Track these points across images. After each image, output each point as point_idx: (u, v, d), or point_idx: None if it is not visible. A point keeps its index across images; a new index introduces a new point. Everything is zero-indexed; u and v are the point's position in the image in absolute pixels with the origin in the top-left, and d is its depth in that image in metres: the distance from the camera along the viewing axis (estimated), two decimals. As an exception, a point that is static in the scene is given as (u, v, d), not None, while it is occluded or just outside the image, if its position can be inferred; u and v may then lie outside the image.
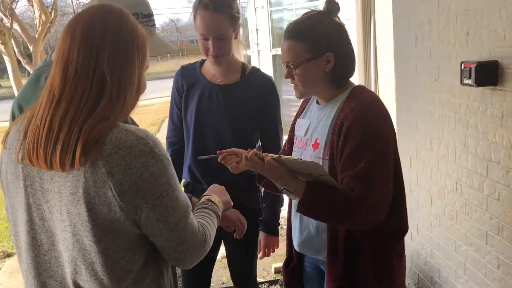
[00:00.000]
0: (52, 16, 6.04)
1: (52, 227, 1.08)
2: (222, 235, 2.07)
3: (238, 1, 1.90)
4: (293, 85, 1.54)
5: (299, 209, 1.40)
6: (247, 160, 1.42)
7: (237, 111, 1.94)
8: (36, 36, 5.89)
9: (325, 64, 1.46)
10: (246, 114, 1.94)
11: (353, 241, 1.46)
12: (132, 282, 1.10)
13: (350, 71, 1.53)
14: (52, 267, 1.11)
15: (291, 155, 1.64)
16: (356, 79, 3.50)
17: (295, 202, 1.56)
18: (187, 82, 2.01)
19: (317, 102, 1.59)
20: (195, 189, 2.05)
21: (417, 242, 2.90)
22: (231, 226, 1.53)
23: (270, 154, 1.40)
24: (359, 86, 1.53)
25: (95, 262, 1.06)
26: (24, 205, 1.09)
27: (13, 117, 1.41)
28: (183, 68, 2.09)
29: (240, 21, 1.92)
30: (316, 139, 1.51)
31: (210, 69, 1.99)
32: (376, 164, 1.37)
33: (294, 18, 4.03)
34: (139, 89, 1.13)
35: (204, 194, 1.37)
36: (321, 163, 1.47)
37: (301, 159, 1.41)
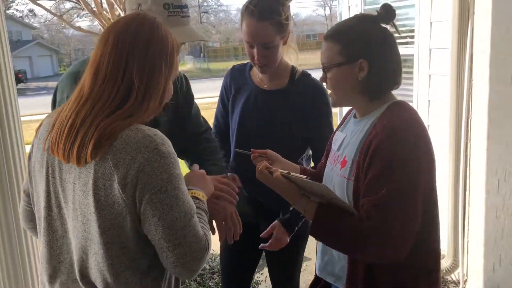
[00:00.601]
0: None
1: (66, 215, 1.16)
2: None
3: (285, 5, 1.79)
4: None
5: (310, 232, 1.30)
6: (258, 172, 1.36)
7: (282, 117, 1.86)
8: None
9: (357, 72, 1.34)
10: (292, 121, 1.85)
11: (374, 272, 1.31)
12: (131, 280, 1.12)
13: (389, 84, 1.38)
14: (63, 253, 1.19)
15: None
16: (447, 86, 3.21)
17: None
18: (235, 84, 1.98)
19: (355, 116, 1.47)
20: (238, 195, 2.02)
21: (498, 276, 2.58)
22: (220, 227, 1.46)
23: (280, 170, 1.32)
24: (398, 102, 1.37)
25: (98, 253, 1.11)
26: (45, 192, 1.18)
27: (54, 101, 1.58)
28: (234, 69, 2.05)
29: (291, 26, 1.81)
30: (345, 156, 1.39)
31: (258, 73, 1.93)
32: (400, 193, 1.21)
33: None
34: (163, 96, 1.20)
35: (188, 186, 1.30)
36: (345, 184, 1.35)
37: (309, 178, 1.30)
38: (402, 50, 3.83)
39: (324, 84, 1.46)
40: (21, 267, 2.18)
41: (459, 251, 3.23)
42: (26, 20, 35.52)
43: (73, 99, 1.15)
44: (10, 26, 31.71)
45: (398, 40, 4.09)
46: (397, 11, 3.86)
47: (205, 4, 34.86)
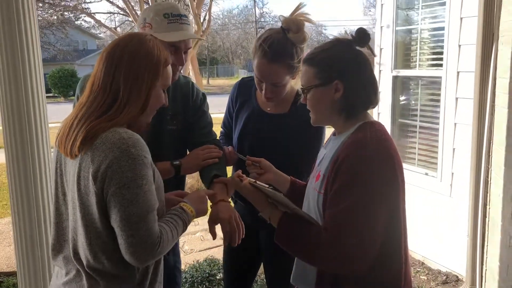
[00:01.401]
0: (205, 27, 6.71)
1: (67, 201, 1.36)
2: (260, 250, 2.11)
3: (299, 48, 1.82)
4: None
5: (275, 238, 1.37)
6: (231, 179, 1.46)
7: (281, 140, 1.93)
8: (190, 43, 6.62)
9: (334, 92, 1.40)
10: (290, 144, 1.92)
11: (340, 283, 1.36)
12: (106, 262, 1.29)
13: (363, 104, 1.43)
14: (66, 233, 1.38)
15: None
16: (470, 110, 3.16)
17: None
18: (241, 98, 2.07)
19: (334, 134, 1.53)
20: (238, 204, 2.11)
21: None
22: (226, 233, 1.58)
23: (248, 178, 1.41)
24: (369, 122, 1.42)
25: (81, 233, 1.30)
26: (54, 182, 1.40)
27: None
28: (242, 83, 2.13)
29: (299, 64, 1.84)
30: (320, 171, 1.45)
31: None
32: (358, 207, 1.25)
33: (418, 39, 3.84)
34: (146, 104, 1.36)
35: (183, 200, 1.48)
36: (316, 197, 1.41)
37: (272, 188, 1.38)
38: (430, 72, 3.83)
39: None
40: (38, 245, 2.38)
41: (476, 279, 3.14)
42: (93, 31, 37.57)
43: (77, 105, 1.36)
44: (77, 36, 33.64)
45: (427, 62, 4.09)
46: (427, 33, 3.87)
47: (262, 19, 35.48)
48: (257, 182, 1.42)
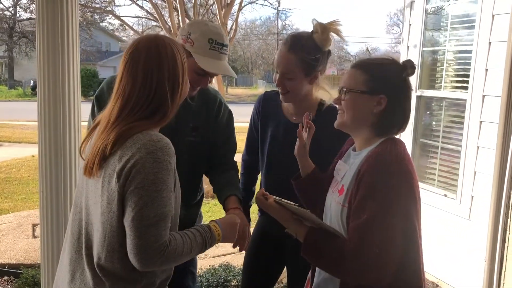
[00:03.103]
0: (230, 36, 6.82)
1: (88, 197, 1.37)
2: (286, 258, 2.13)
3: (322, 52, 1.89)
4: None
5: (302, 252, 1.41)
6: (256, 198, 1.51)
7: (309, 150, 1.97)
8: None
9: (375, 105, 1.44)
10: (316, 153, 1.95)
11: None
12: (118, 262, 1.28)
13: (395, 127, 1.48)
14: (81, 228, 1.38)
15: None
16: (494, 134, 3.16)
17: None
18: (266, 111, 2.10)
19: (354, 149, 1.56)
20: (264, 213, 2.14)
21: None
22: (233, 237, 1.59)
23: (273, 196, 1.46)
24: (392, 138, 1.46)
25: (98, 230, 1.31)
26: (80, 179, 1.45)
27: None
28: (266, 96, 2.17)
29: (321, 70, 1.92)
30: (343, 185, 1.48)
31: (288, 107, 2.05)
32: (379, 219, 1.29)
33: (444, 60, 3.85)
34: (178, 101, 1.39)
35: (215, 220, 1.49)
36: (340, 210, 1.44)
37: (297, 205, 1.42)
38: (455, 94, 3.83)
39: (337, 106, 1.55)
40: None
41: (492, 305, 3.12)
42: (117, 33, 38.22)
43: (108, 108, 1.38)
44: (101, 37, 34.23)
45: (451, 84, 4.10)
46: (453, 55, 3.88)
47: (284, 31, 35.70)
48: (283, 200, 1.46)
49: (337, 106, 1.56)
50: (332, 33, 1.90)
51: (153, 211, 1.23)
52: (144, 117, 1.31)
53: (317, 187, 1.70)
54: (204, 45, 1.77)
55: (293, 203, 1.44)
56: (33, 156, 9.28)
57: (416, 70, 1.49)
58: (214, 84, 6.95)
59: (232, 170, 2.04)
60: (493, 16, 3.40)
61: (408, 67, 1.46)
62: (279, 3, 26.24)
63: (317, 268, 1.60)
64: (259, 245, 2.20)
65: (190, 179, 1.95)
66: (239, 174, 2.10)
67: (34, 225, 4.80)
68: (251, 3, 11.93)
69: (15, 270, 3.69)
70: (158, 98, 1.32)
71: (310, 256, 1.43)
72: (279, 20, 34.52)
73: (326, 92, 2.01)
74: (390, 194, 1.32)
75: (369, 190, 1.33)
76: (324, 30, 1.87)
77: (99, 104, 1.82)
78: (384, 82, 1.44)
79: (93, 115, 1.84)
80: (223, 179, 1.99)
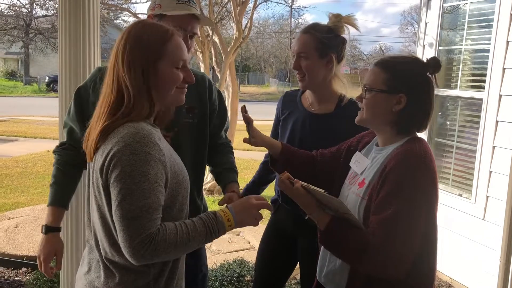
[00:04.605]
0: (245, 34, 6.83)
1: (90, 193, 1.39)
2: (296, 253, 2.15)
3: (336, 36, 1.99)
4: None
5: (320, 240, 1.43)
6: (280, 181, 1.51)
7: (327, 140, 1.97)
8: (228, 50, 6.71)
9: (394, 103, 1.46)
10: (335, 142, 1.97)
11: (372, 285, 1.42)
12: (119, 255, 1.28)
13: (418, 124, 1.50)
14: (92, 223, 1.41)
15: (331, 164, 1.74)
16: (510, 134, 3.15)
17: None
18: (287, 108, 2.14)
19: (377, 144, 1.58)
20: (280, 208, 2.17)
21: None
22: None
23: (300, 182, 1.46)
24: (417, 137, 1.48)
25: (98, 225, 1.32)
26: (87, 173, 1.45)
27: None
28: (286, 95, 2.24)
29: (336, 55, 1.99)
30: (364, 178, 1.51)
31: (309, 97, 2.09)
32: (405, 214, 1.32)
33: (460, 60, 3.84)
34: (153, 90, 1.32)
35: (228, 205, 1.39)
36: (359, 202, 1.47)
37: (327, 192, 1.43)
38: (471, 93, 3.82)
39: (359, 103, 1.57)
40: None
41: (506, 305, 3.11)
42: (130, 31, 38.37)
43: (97, 105, 1.38)
44: (115, 35, 34.26)
45: (467, 83, 4.09)
46: (470, 54, 3.87)
47: (297, 30, 35.65)
48: (310, 186, 1.47)
49: (358, 102, 1.58)
50: (346, 25, 2.00)
51: (133, 203, 1.20)
52: (127, 111, 1.28)
53: (296, 159, 1.79)
54: (170, 1, 1.83)
55: (322, 190, 1.44)
56: (48, 151, 9.41)
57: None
58: (229, 82, 6.97)
59: (230, 152, 2.12)
60: (511, 15, 3.38)
61: (432, 64, 1.48)
62: (292, 1, 26.25)
63: (328, 258, 1.62)
64: (271, 242, 2.24)
65: (195, 162, 1.96)
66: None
67: (50, 219, 4.87)
68: (266, 1, 11.95)
69: (33, 262, 3.76)
70: (132, 88, 1.29)
71: (328, 245, 1.45)
72: (292, 18, 34.51)
73: (341, 83, 2.06)
74: (417, 192, 1.35)
75: (397, 186, 1.35)
76: (337, 16, 1.99)
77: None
78: (404, 81, 1.46)
79: None
80: (224, 161, 2.07)
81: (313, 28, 1.99)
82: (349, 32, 2.01)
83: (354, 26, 2.00)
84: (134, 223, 1.19)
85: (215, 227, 1.30)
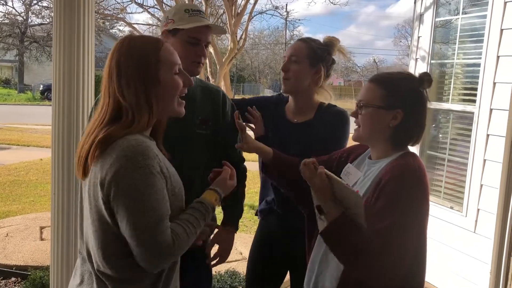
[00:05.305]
0: (240, 45, 6.88)
1: (84, 205, 1.38)
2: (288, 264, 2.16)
3: (327, 52, 2.08)
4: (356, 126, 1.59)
5: (323, 232, 1.43)
6: (303, 165, 1.49)
7: (307, 148, 2.00)
8: (223, 60, 6.75)
9: (390, 119, 1.49)
10: (316, 150, 1.99)
11: None
12: (115, 267, 1.28)
13: (412, 138, 1.54)
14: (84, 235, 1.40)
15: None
16: (501, 148, 3.18)
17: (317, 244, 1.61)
18: (270, 114, 2.17)
19: (369, 158, 1.60)
20: (270, 216, 2.18)
21: None
22: None
23: (325, 170, 1.46)
24: (410, 152, 1.52)
25: (91, 238, 1.31)
26: (80, 186, 1.45)
27: None
28: (272, 99, 2.30)
29: (324, 67, 2.07)
30: (357, 191, 1.52)
31: (290, 106, 2.16)
32: (401, 226, 1.35)
33: (452, 73, 3.89)
34: (153, 99, 1.32)
35: (211, 186, 1.47)
36: None
37: (348, 184, 1.45)
38: (463, 107, 3.86)
39: (354, 119, 1.59)
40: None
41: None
42: (126, 40, 38.48)
43: (92, 120, 1.39)
44: (110, 44, 34.44)
45: (459, 97, 4.12)
46: (461, 68, 3.92)
47: (292, 42, 35.95)
48: (333, 175, 1.44)
49: (354, 119, 1.60)
50: (339, 50, 2.14)
51: (144, 216, 1.21)
52: (126, 124, 1.29)
53: (287, 165, 1.80)
54: (183, 15, 1.89)
55: (345, 182, 1.44)
56: (41, 159, 9.36)
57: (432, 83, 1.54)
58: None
59: (239, 181, 2.07)
60: (501, 30, 3.43)
61: (425, 80, 1.52)
62: (287, 13, 26.45)
63: (316, 264, 1.62)
64: (261, 249, 2.26)
65: (207, 173, 1.96)
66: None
67: (42, 228, 4.84)
68: (261, 13, 12.04)
69: (22, 272, 3.72)
70: (130, 101, 1.29)
71: (329, 238, 1.44)
72: (287, 30, 34.71)
73: (331, 100, 2.13)
74: (412, 205, 1.39)
75: (394, 199, 1.38)
76: (335, 39, 2.11)
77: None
78: (400, 97, 1.50)
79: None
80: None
81: (310, 39, 2.12)
82: (339, 58, 2.16)
83: (344, 54, 2.18)
84: (150, 236, 1.21)
85: (205, 211, 1.39)
